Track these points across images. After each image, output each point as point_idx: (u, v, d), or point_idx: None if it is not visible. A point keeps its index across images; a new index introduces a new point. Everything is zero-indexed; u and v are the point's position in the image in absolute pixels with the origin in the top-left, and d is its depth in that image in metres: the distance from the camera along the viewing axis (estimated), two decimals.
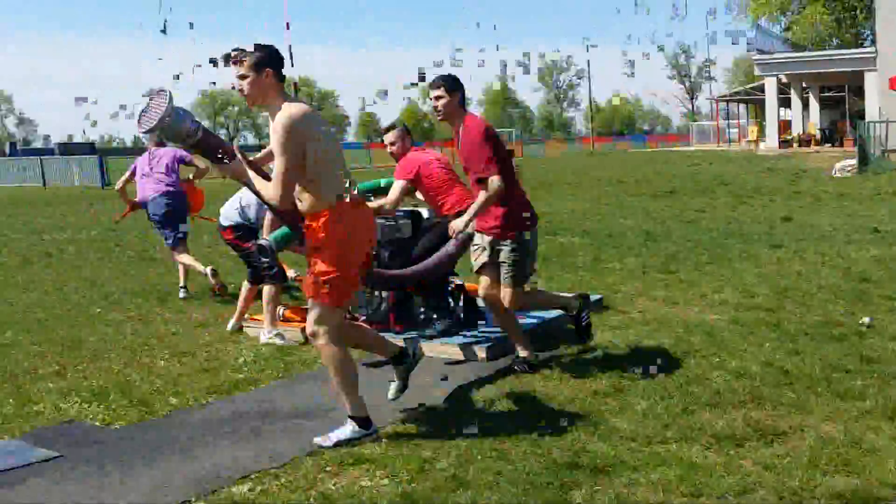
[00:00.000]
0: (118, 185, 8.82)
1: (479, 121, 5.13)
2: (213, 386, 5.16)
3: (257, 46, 4.05)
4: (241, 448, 4.12)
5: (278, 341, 6.11)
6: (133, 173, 8.54)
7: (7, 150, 74.93)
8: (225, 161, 4.17)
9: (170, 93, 4.13)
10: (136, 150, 40.35)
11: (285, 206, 4.03)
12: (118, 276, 9.69)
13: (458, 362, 5.54)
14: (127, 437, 4.32)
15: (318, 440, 4.10)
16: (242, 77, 4.02)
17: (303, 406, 4.75)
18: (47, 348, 6.23)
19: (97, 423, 4.56)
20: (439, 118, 5.16)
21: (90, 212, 10.44)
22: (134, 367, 5.69)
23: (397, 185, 5.89)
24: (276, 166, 3.93)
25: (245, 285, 6.66)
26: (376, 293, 6.14)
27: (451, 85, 5.09)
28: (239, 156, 4.16)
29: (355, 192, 4.09)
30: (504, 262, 5.18)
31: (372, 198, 6.07)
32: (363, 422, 4.14)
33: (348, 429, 4.12)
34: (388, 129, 6.15)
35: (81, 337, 6.61)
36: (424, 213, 6.22)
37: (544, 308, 6.13)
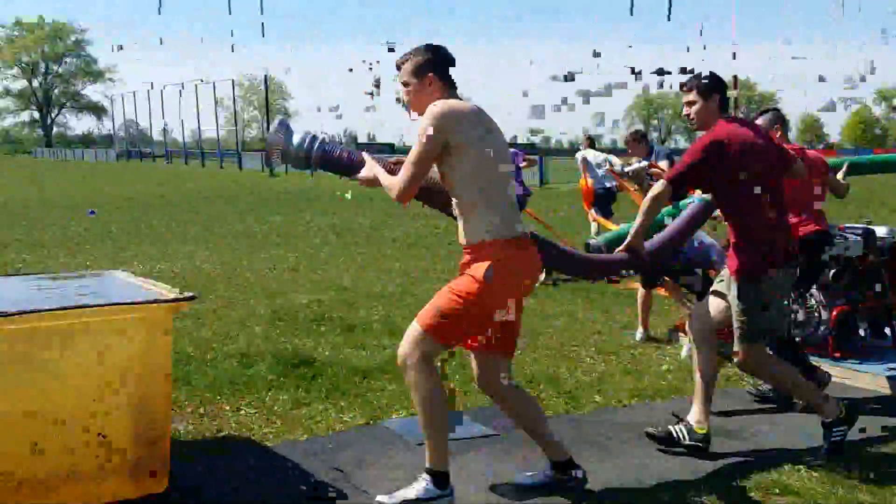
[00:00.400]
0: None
1: (718, 130, 4.04)
2: (637, 389, 5.26)
3: (423, 48, 3.47)
4: (655, 456, 4.16)
5: None
6: None
7: None
8: (355, 173, 3.67)
9: (280, 120, 3.76)
10: (572, 150, 42.61)
11: (404, 198, 3.43)
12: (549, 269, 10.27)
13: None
14: (555, 427, 4.57)
15: (380, 498, 3.52)
16: (405, 84, 3.48)
17: (721, 422, 4.64)
18: None
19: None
20: (693, 128, 4.21)
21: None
22: (561, 360, 6.02)
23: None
24: (410, 153, 3.38)
25: (640, 292, 6.66)
26: (815, 313, 5.73)
27: (707, 86, 4.10)
28: (369, 160, 3.65)
29: (523, 230, 3.46)
30: (733, 309, 4.12)
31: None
32: (439, 478, 3.48)
33: (419, 486, 3.48)
34: (761, 113, 5.37)
35: None
36: (881, 230, 5.65)
37: (778, 386, 4.53)
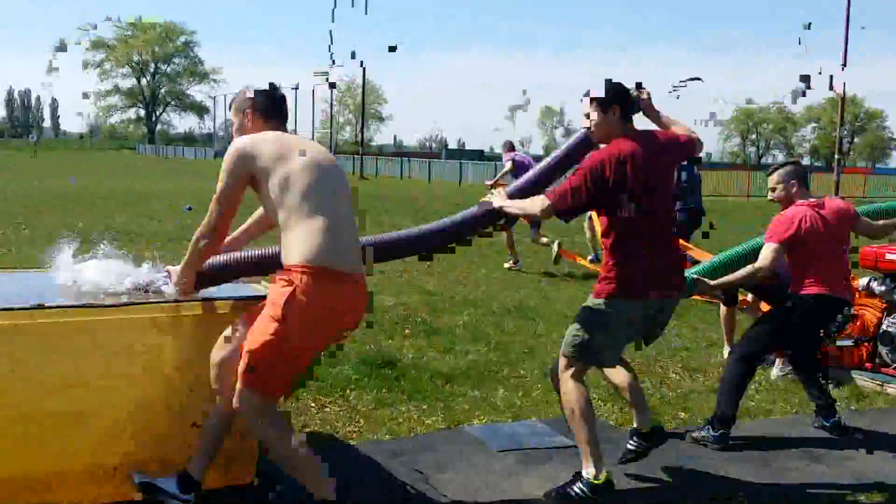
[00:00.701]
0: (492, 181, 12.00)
1: (610, 148, 3.75)
2: None
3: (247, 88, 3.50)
4: (750, 477, 4.10)
5: (790, 377, 5.87)
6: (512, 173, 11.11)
7: None
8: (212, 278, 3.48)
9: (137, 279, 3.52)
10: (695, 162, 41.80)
11: (213, 236, 3.29)
12: None
13: None
14: None
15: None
16: (231, 123, 3.51)
17: (814, 446, 4.54)
18: None
19: (611, 423, 4.87)
20: (595, 142, 3.93)
21: None
22: (648, 375, 5.94)
23: (767, 249, 4.66)
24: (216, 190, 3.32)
25: (722, 309, 6.51)
26: None
27: (605, 98, 3.80)
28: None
29: (348, 263, 3.19)
30: (575, 321, 3.89)
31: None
32: None
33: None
34: (777, 167, 4.97)
35: None
36: None
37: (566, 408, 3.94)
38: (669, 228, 3.93)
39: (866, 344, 5.92)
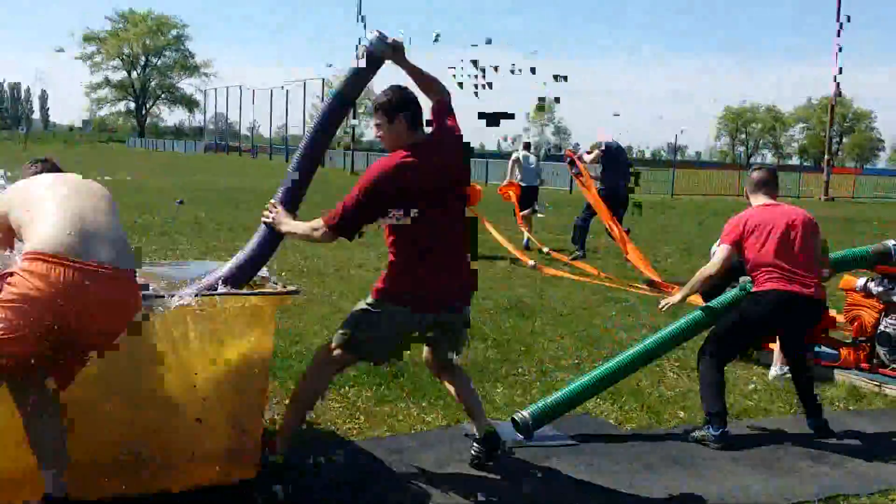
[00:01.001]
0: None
1: (385, 162, 3.68)
2: None
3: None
4: (749, 476, 4.10)
5: (788, 377, 5.88)
6: None
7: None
8: None
9: None
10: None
11: None
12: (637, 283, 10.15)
13: None
14: (637, 441, 4.56)
15: None
16: None
17: (813, 446, 4.55)
18: (569, 342, 6.80)
19: (610, 421, 4.88)
20: (387, 149, 3.81)
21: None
22: (645, 373, 5.94)
23: (718, 251, 4.84)
24: None
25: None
26: None
27: (391, 106, 3.70)
28: None
29: (100, 256, 3.00)
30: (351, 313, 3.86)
31: None
32: None
33: None
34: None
35: (597, 336, 7.08)
36: None
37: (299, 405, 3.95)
38: (456, 239, 3.82)
39: (864, 344, 5.94)
